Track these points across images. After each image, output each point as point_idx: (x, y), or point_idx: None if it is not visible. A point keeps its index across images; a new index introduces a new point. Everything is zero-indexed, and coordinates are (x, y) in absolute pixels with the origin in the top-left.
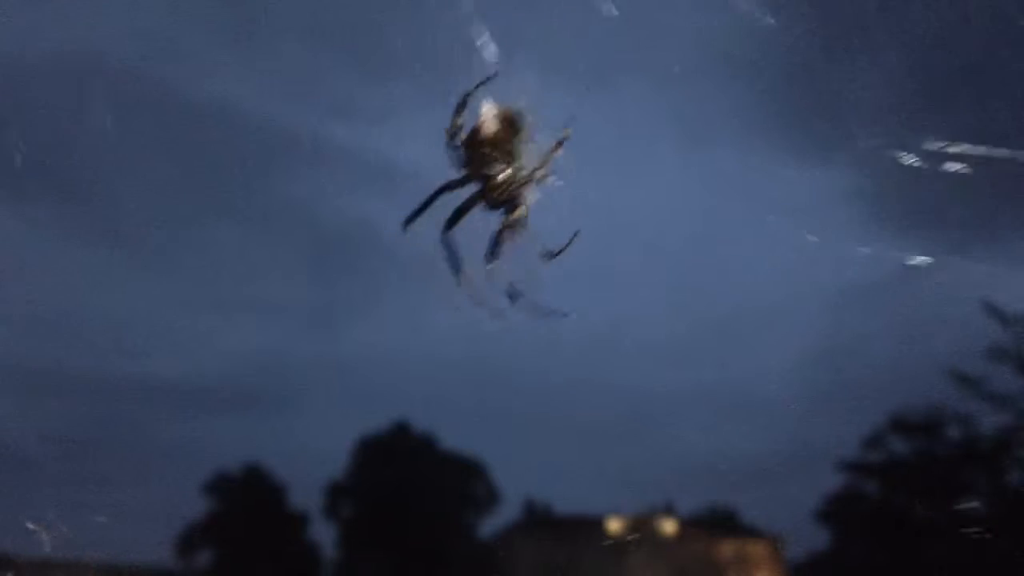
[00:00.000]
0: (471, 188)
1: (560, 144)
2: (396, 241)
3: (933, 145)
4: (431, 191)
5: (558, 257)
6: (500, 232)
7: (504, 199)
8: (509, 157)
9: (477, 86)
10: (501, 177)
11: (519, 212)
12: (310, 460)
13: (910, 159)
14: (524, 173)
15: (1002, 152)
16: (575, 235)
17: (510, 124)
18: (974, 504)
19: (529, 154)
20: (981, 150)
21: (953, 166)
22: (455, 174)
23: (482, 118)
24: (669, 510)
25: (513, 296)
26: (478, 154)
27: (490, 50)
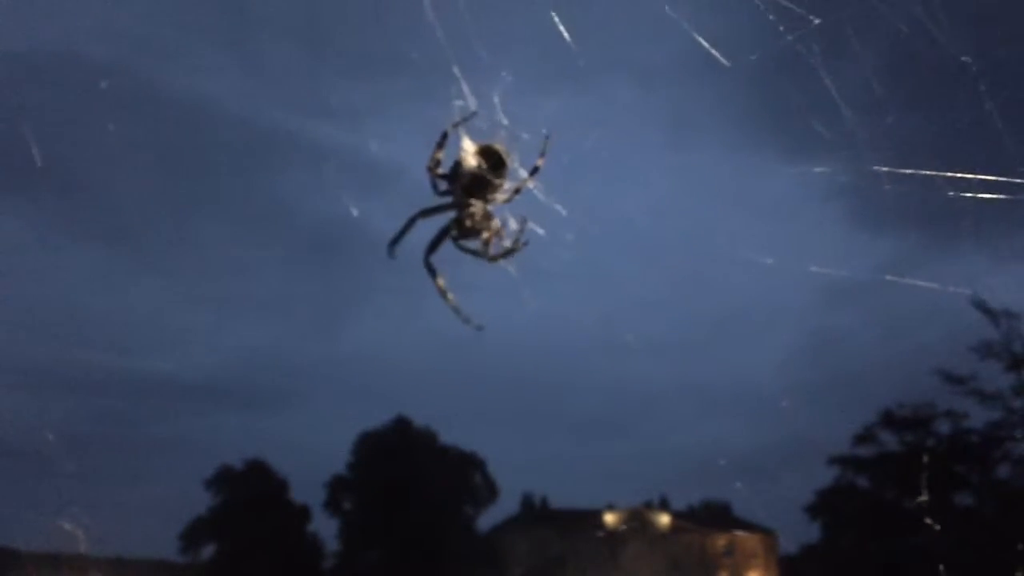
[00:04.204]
0: (448, 215)
1: (535, 171)
2: (387, 242)
3: (898, 156)
4: (411, 214)
5: (505, 256)
6: (480, 250)
7: (478, 227)
8: (486, 188)
9: (456, 124)
10: (476, 207)
11: (490, 236)
12: (312, 455)
13: (871, 175)
14: (498, 202)
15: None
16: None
17: (488, 159)
18: (965, 498)
19: (504, 186)
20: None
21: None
22: (434, 200)
23: (462, 153)
24: (664, 504)
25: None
26: (457, 185)
27: (466, 89)
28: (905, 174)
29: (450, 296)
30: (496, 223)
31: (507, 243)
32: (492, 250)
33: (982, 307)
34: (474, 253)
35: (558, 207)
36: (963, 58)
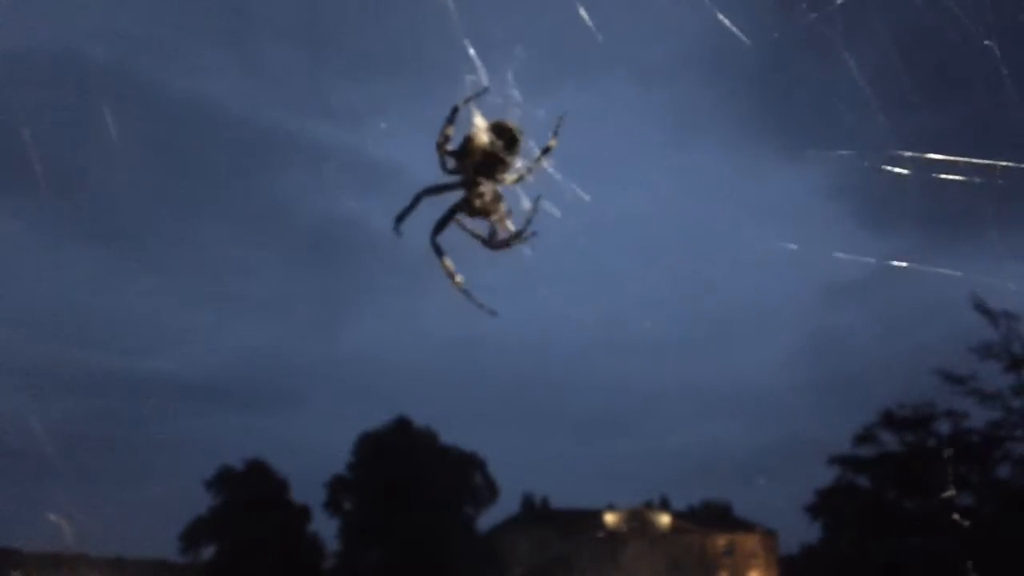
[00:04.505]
0: (455, 193)
1: (547, 151)
2: (388, 240)
3: (912, 149)
4: (416, 191)
5: (501, 248)
6: (490, 234)
7: (485, 208)
8: (497, 167)
9: (468, 100)
10: (485, 187)
11: (500, 219)
12: (312, 455)
13: (891, 160)
14: (508, 182)
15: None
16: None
17: (500, 136)
18: (965, 498)
19: (516, 166)
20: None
21: (933, 171)
22: (442, 178)
23: (474, 129)
24: (664, 504)
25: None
26: (467, 163)
27: (479, 64)
28: (929, 159)
29: (458, 278)
30: (504, 206)
31: (513, 228)
32: (500, 235)
33: (981, 308)
34: (480, 238)
35: (573, 186)
36: (986, 42)
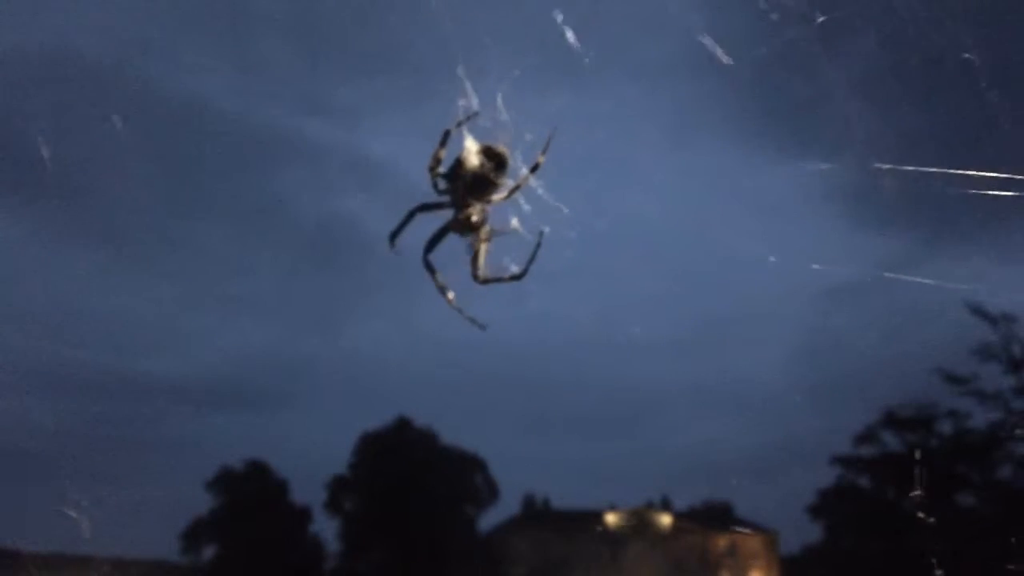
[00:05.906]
0: (447, 213)
1: (535, 168)
2: (387, 242)
3: (909, 156)
4: (411, 208)
5: (517, 276)
6: (474, 255)
7: (475, 227)
8: (487, 189)
9: (459, 124)
10: (474, 207)
11: (484, 240)
12: (312, 455)
13: (891, 162)
14: (496, 202)
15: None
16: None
17: (490, 159)
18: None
19: (505, 186)
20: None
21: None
22: (434, 196)
23: (464, 152)
24: (665, 504)
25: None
26: (457, 185)
27: (469, 87)
28: (907, 171)
29: (450, 295)
30: (488, 229)
31: (514, 268)
32: (490, 271)
33: (978, 311)
34: (498, 279)
35: (559, 205)
36: (965, 55)
